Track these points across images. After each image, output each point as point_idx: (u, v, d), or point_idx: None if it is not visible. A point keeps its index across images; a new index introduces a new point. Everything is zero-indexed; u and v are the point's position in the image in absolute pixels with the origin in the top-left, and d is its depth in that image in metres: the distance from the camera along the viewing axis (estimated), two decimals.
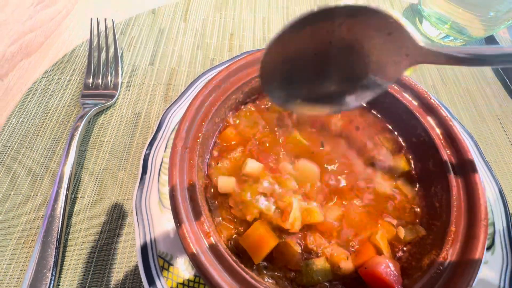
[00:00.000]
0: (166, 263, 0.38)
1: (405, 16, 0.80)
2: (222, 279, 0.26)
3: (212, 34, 0.71)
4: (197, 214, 0.30)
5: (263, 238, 0.33)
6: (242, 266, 0.30)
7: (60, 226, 0.42)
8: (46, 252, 0.41)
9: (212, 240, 0.29)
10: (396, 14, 0.29)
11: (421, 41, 0.28)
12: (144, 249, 0.38)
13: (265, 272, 0.33)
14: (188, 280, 0.38)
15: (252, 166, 0.38)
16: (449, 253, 0.29)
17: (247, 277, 0.28)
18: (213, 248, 0.29)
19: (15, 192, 0.47)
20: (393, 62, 0.29)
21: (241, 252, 0.34)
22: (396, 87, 0.40)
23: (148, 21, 0.72)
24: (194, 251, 0.27)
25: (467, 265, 0.27)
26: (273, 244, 0.33)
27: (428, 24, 0.74)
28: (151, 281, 0.36)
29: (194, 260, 0.27)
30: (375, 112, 0.45)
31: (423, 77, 0.68)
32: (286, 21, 0.76)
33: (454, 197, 0.32)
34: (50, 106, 0.57)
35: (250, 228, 0.34)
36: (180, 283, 0.37)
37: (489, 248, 0.40)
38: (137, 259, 0.42)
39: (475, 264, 0.27)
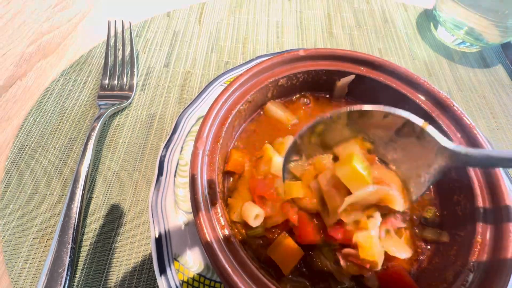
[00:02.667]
0: (181, 266, 0.38)
1: (419, 22, 0.80)
2: (234, 272, 0.26)
3: (226, 38, 0.71)
4: (218, 219, 0.30)
5: (290, 250, 0.32)
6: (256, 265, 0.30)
7: (75, 225, 0.42)
8: (62, 251, 0.41)
9: (227, 234, 0.29)
10: (421, 121, 0.30)
11: (449, 143, 0.28)
12: (159, 252, 0.38)
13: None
14: (202, 284, 0.38)
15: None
16: (475, 265, 0.28)
17: (258, 274, 0.27)
18: (228, 244, 0.28)
19: (32, 191, 0.48)
20: (425, 166, 0.29)
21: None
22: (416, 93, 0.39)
23: (163, 24, 0.73)
24: (209, 240, 0.27)
25: (495, 278, 0.26)
26: (300, 256, 0.32)
27: (444, 29, 0.74)
28: (166, 282, 0.36)
29: (208, 250, 0.27)
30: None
31: (438, 83, 0.67)
32: (299, 25, 0.76)
33: (479, 206, 0.31)
34: (67, 106, 0.58)
35: (276, 240, 0.33)
36: (195, 286, 0.37)
37: None
38: (152, 260, 0.42)
39: (504, 277, 0.26)
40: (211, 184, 0.32)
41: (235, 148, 0.41)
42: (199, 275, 0.38)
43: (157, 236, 0.39)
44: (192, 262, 0.39)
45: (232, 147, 0.41)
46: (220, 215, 0.31)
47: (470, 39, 0.70)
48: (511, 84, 0.68)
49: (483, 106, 0.64)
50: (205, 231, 0.29)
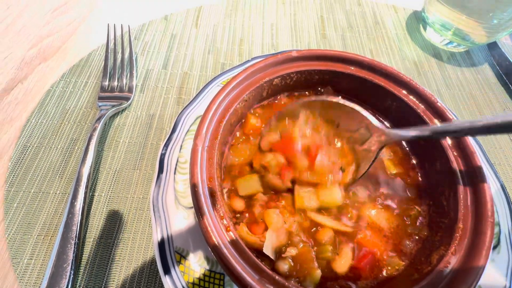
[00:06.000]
0: (182, 258, 0.39)
1: (408, 23, 0.83)
2: (244, 271, 0.28)
3: (222, 40, 0.74)
4: (217, 209, 0.32)
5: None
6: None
7: (79, 222, 0.44)
8: (66, 247, 0.42)
9: (232, 234, 0.31)
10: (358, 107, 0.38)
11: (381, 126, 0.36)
12: (161, 244, 0.40)
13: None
14: (202, 274, 0.39)
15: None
16: (457, 249, 0.30)
17: (267, 270, 0.29)
18: (233, 242, 0.30)
19: (35, 190, 0.49)
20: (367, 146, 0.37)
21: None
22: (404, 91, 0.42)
23: (161, 27, 0.75)
24: (216, 243, 0.29)
25: (475, 259, 0.28)
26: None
27: (432, 30, 0.76)
28: (168, 274, 0.38)
29: (216, 251, 0.29)
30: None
31: (427, 82, 0.70)
32: (293, 27, 0.78)
33: (461, 195, 0.33)
34: (68, 108, 0.59)
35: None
36: (196, 277, 0.39)
37: (495, 247, 0.41)
38: (153, 254, 0.44)
39: (483, 258, 0.28)
40: (210, 177, 0.34)
41: (251, 114, 0.47)
42: (201, 267, 0.40)
43: (159, 230, 0.41)
44: (192, 254, 0.40)
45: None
46: (220, 206, 0.33)
47: (458, 39, 0.73)
48: (497, 82, 0.71)
49: (470, 103, 0.67)
50: (205, 219, 0.30)
